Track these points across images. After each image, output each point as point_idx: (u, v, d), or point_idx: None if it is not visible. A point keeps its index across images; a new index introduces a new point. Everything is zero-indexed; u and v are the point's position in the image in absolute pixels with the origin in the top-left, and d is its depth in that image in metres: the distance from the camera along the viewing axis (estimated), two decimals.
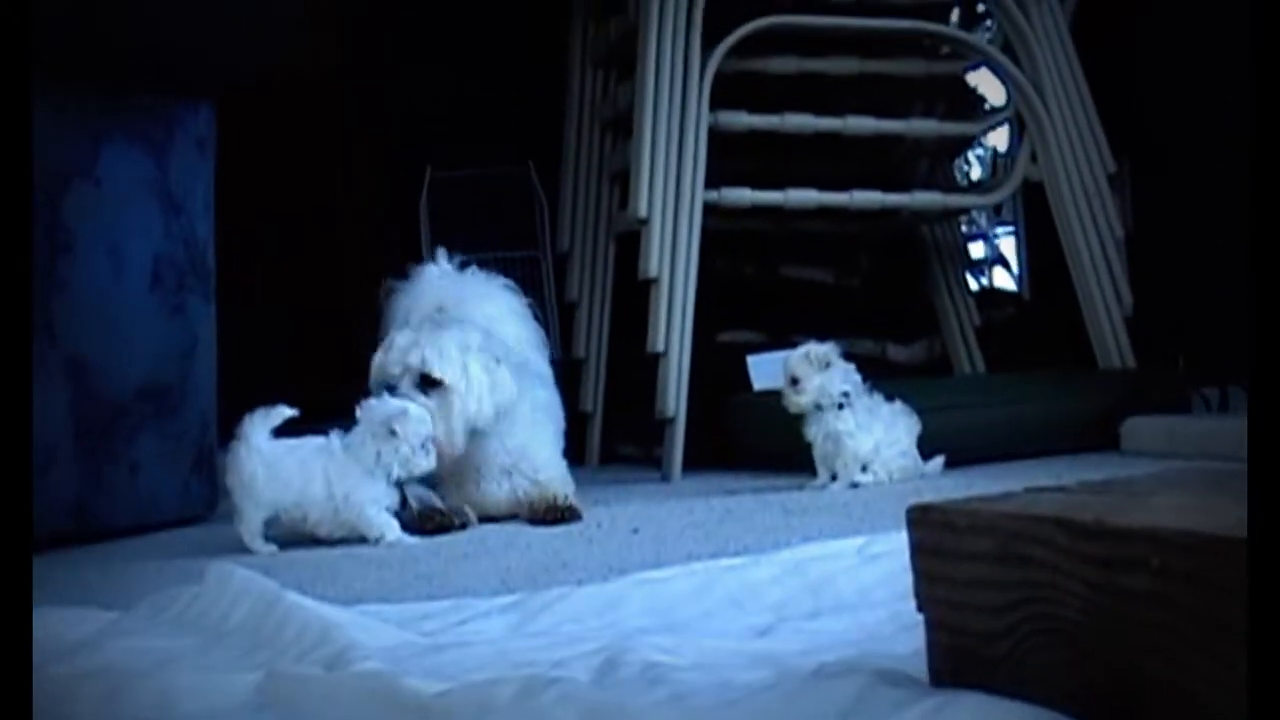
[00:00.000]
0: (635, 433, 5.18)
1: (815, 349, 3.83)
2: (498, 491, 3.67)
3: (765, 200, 4.70)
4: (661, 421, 4.47)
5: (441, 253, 3.98)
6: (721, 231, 4.76)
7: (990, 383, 4.98)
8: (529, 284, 6.18)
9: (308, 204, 6.13)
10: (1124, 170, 5.29)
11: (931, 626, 1.36)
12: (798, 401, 3.84)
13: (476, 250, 4.37)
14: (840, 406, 3.80)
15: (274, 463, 3.33)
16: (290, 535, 3.39)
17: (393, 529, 3.35)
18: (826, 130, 4.79)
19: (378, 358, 3.56)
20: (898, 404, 3.92)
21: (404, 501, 3.48)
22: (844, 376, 3.84)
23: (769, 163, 4.90)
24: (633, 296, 4.86)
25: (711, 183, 4.52)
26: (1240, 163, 1.24)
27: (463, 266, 3.98)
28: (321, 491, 3.34)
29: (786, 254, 5.68)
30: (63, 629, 2.14)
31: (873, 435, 3.82)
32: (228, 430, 4.15)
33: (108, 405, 3.80)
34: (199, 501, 4.11)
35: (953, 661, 1.33)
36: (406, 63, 6.22)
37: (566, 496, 3.60)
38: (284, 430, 3.37)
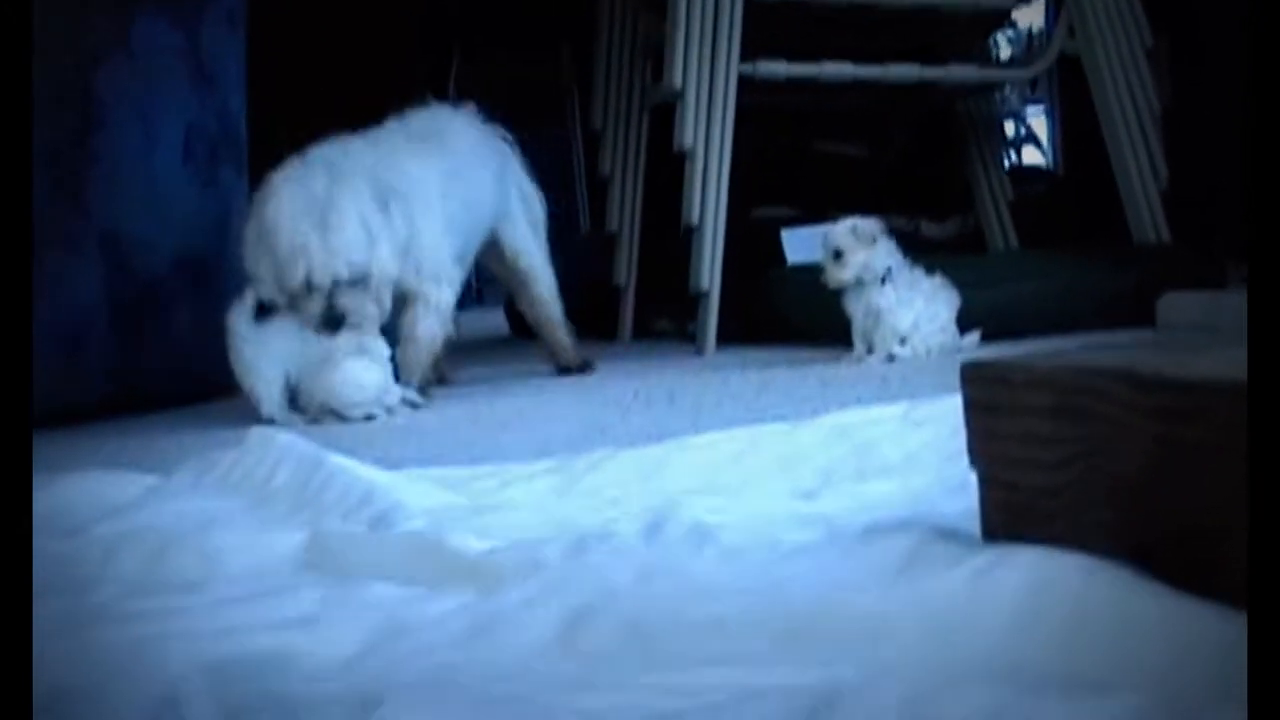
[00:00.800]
0: (669, 307, 5.16)
1: (861, 224, 3.78)
2: None
3: (800, 73, 4.65)
4: (696, 295, 4.45)
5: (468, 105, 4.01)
6: (755, 106, 4.71)
7: (1025, 258, 4.95)
8: (559, 162, 6.17)
9: (334, 83, 6.09)
10: (1162, 46, 5.22)
11: (985, 483, 1.34)
12: (840, 276, 3.78)
13: (507, 129, 4.35)
14: (883, 281, 3.77)
15: (265, 339, 3.34)
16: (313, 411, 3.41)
17: (394, 394, 3.40)
18: (863, 3, 4.73)
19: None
20: (938, 278, 3.89)
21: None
22: (888, 252, 3.80)
23: (804, 36, 4.84)
24: (666, 171, 4.83)
25: (747, 55, 4.47)
26: None
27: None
28: (380, 373, 3.35)
29: (820, 129, 5.64)
30: (106, 491, 2.14)
31: (913, 310, 3.79)
32: None
33: (143, 277, 3.79)
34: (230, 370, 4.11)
35: (1007, 518, 1.31)
36: None
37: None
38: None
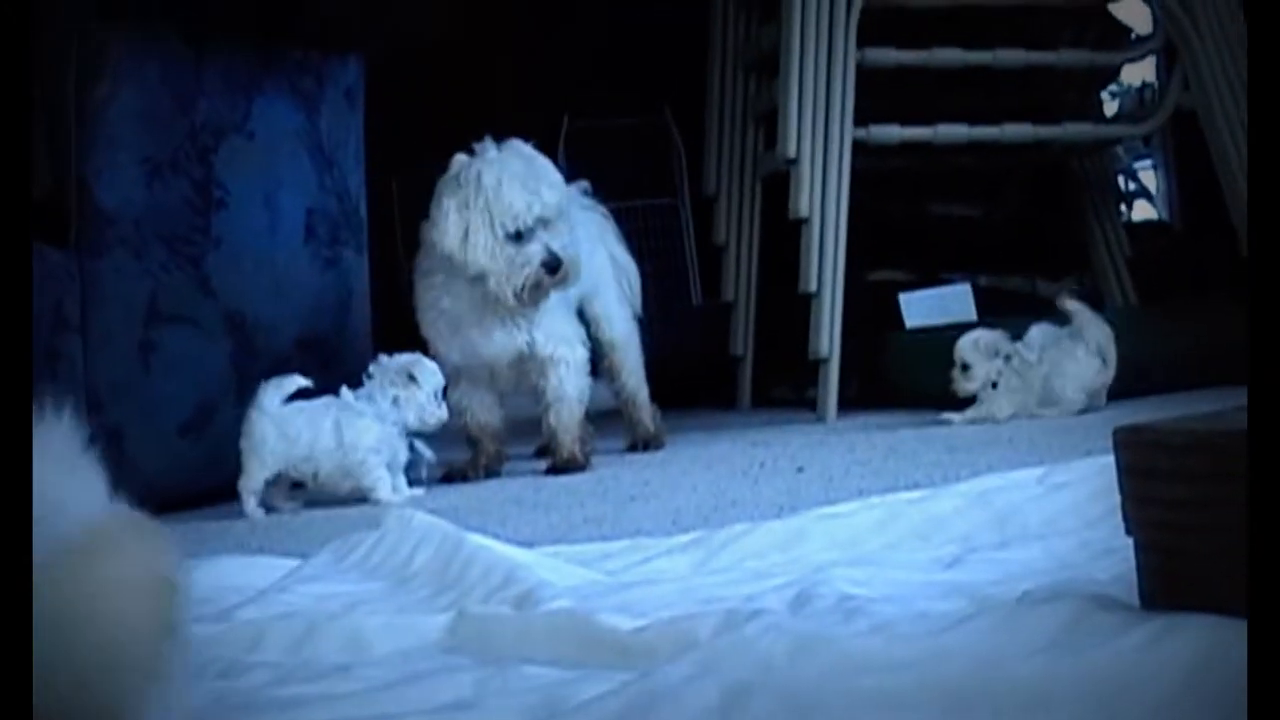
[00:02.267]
0: (787, 375, 5.15)
1: (984, 337, 3.89)
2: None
3: (914, 136, 4.65)
4: (815, 362, 4.44)
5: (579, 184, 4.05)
6: (869, 170, 4.71)
7: (1146, 315, 4.90)
8: (668, 231, 6.19)
9: (448, 158, 6.16)
10: None
11: (1143, 549, 1.33)
12: (967, 387, 3.90)
13: (614, 199, 4.37)
14: (994, 385, 3.83)
15: (283, 422, 3.39)
16: (310, 494, 3.48)
17: (387, 486, 3.41)
18: (975, 64, 4.72)
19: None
20: (1086, 330, 3.90)
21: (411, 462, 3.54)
22: (1009, 364, 3.86)
23: (916, 98, 4.84)
24: (781, 238, 4.83)
25: (860, 120, 4.47)
26: None
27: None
28: (331, 441, 3.39)
29: (934, 190, 5.62)
30: (248, 575, 2.16)
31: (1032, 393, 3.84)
32: None
33: (267, 358, 3.83)
34: None
35: (1167, 584, 1.30)
36: (544, 11, 6.21)
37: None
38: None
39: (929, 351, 3.89)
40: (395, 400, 3.43)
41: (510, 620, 1.63)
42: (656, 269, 5.79)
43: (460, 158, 3.62)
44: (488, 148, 3.62)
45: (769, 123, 4.82)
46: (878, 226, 5.32)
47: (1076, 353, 3.89)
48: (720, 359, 5.31)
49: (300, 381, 3.42)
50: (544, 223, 3.54)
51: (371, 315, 4.24)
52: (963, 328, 4.04)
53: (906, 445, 3.42)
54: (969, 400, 3.89)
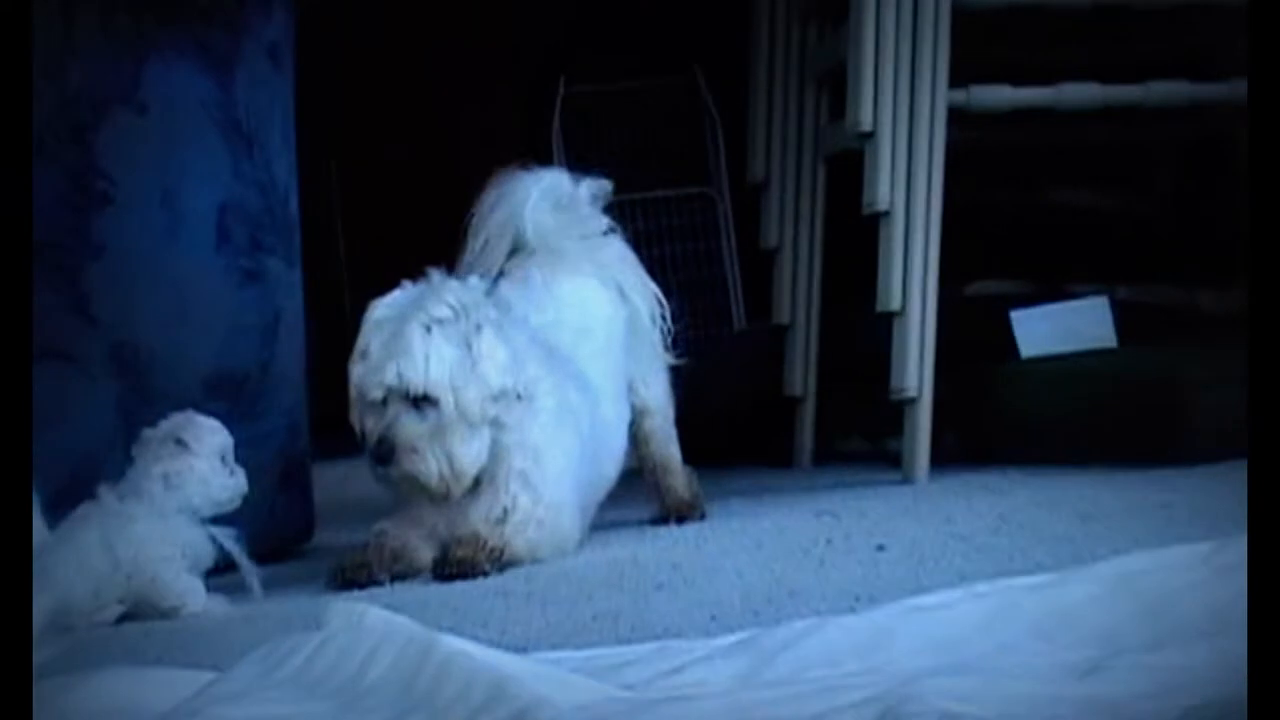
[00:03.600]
0: (861, 421, 5.16)
1: None
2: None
3: (1030, 100, 4.64)
4: (899, 403, 4.44)
5: (592, 180, 4.05)
6: (969, 146, 4.71)
7: None
8: (700, 231, 6.19)
9: (410, 135, 6.17)
10: None
11: None
12: None
13: (627, 189, 4.37)
14: None
15: (44, 557, 3.24)
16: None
17: (197, 595, 3.38)
18: (1108, 3, 4.72)
19: (354, 369, 3.58)
20: None
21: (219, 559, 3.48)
22: None
23: (1031, 50, 4.84)
24: (851, 239, 4.83)
25: (956, 80, 4.48)
26: None
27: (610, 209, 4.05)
28: (103, 560, 3.31)
29: (1056, 173, 5.62)
30: (145, 695, 2.16)
31: None
32: (323, 435, 4.21)
33: (167, 403, 3.82)
34: (289, 527, 4.15)
35: None
36: None
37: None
38: None
39: (1051, 386, 3.89)
40: (166, 480, 3.39)
41: None
42: (685, 282, 5.79)
43: None
44: None
45: (835, 84, 4.82)
46: (981, 222, 5.33)
47: None
48: (772, 401, 5.31)
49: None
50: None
51: (307, 344, 4.25)
52: (1097, 355, 4.04)
53: (1023, 513, 3.43)
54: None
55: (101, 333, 3.76)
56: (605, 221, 4.11)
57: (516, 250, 3.93)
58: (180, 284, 3.90)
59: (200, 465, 3.40)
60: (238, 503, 3.47)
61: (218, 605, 3.39)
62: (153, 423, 3.64)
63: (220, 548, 3.43)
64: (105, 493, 3.38)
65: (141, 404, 3.80)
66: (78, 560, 3.29)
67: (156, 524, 3.36)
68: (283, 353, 4.12)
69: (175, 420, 3.45)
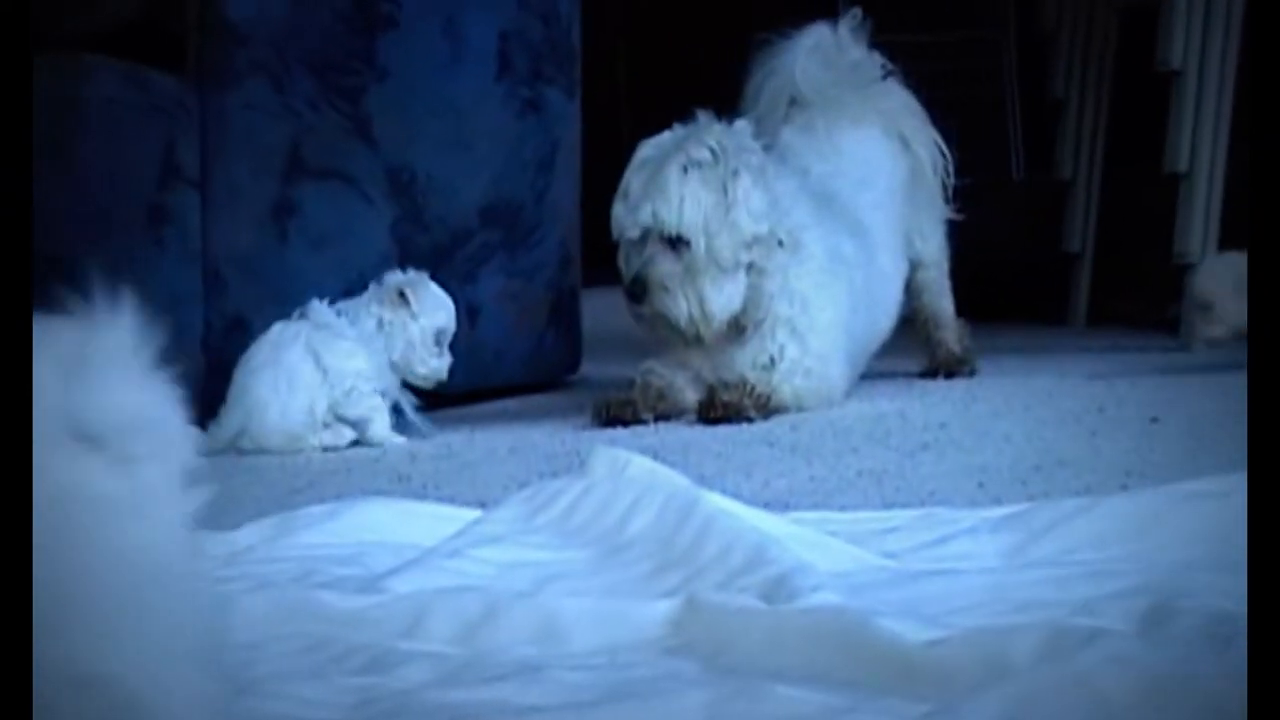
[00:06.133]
0: (1141, 283, 5.08)
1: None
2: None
3: None
4: (1181, 268, 4.37)
5: (850, 15, 4.01)
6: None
7: None
8: (984, 76, 6.10)
9: None
10: None
11: None
12: (1211, 334, 3.84)
13: (902, 29, 4.31)
14: None
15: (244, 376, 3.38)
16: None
17: (383, 417, 3.43)
18: None
19: (615, 208, 3.60)
20: None
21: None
22: None
23: None
24: (1142, 95, 4.75)
25: None
26: None
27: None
28: (312, 373, 3.37)
29: None
30: (406, 529, 2.18)
31: None
32: (595, 267, 4.21)
33: (441, 230, 3.85)
34: (557, 360, 4.17)
35: None
36: None
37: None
38: None
39: None
40: (379, 323, 3.45)
41: (757, 617, 1.63)
42: (965, 127, 5.70)
43: None
44: None
45: None
46: None
47: None
48: (1049, 256, 5.25)
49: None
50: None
51: (583, 178, 4.24)
52: None
53: None
54: None
55: (381, 156, 3.76)
56: (880, 65, 4.08)
57: (796, 102, 3.91)
58: (460, 111, 3.90)
59: (414, 328, 3.46)
60: (430, 384, 3.52)
61: (398, 438, 3.44)
62: (426, 249, 3.67)
63: (398, 409, 3.50)
64: (318, 308, 3.45)
65: (416, 229, 3.81)
66: (289, 376, 3.36)
67: (361, 346, 3.42)
68: (558, 184, 4.11)
69: (411, 276, 3.50)
